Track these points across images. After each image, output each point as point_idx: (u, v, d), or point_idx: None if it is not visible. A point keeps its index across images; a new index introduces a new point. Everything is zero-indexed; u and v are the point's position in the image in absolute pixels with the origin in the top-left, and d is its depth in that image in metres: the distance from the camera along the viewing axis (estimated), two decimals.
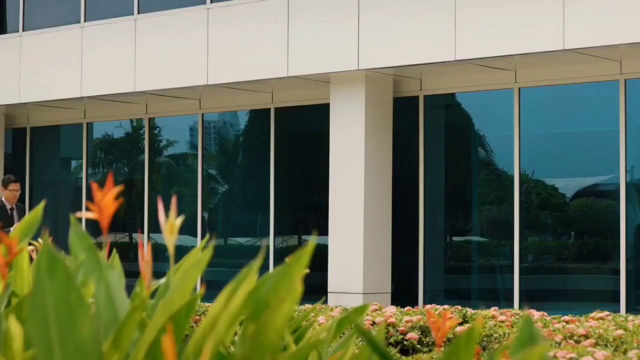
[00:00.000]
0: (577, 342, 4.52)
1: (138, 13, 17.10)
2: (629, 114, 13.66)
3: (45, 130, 19.83)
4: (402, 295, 14.87)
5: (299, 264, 1.69)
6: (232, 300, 1.71)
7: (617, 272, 13.69)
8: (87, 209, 2.24)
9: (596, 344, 4.42)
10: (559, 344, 4.48)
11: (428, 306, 6.35)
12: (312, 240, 1.71)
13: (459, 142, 16.00)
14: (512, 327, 5.15)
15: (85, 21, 17.77)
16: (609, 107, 13.93)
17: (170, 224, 2.15)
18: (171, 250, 2.15)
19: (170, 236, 2.14)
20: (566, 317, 5.31)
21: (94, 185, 2.04)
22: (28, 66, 18.27)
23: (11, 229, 11.71)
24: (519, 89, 14.49)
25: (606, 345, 4.40)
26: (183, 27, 16.39)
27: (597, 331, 4.68)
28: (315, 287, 15.52)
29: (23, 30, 18.64)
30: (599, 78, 13.91)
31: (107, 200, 2.03)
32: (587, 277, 14.55)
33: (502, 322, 5.35)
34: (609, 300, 13.79)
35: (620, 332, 4.60)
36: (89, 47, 17.46)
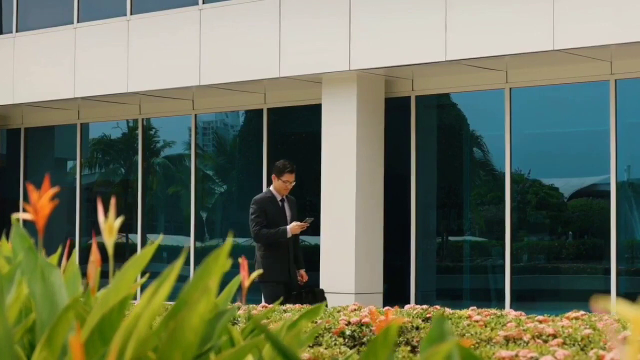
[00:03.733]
0: (545, 341, 4.55)
1: (131, 14, 17.13)
2: (619, 114, 13.69)
3: (40, 131, 19.87)
4: (395, 295, 14.90)
5: (216, 264, 1.71)
6: (154, 299, 1.74)
7: (608, 271, 13.72)
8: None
9: (564, 344, 4.45)
10: (527, 343, 4.51)
11: (408, 306, 6.37)
12: (229, 240, 1.73)
13: (451, 142, 16.03)
14: (485, 326, 5.17)
15: (78, 22, 17.81)
16: (599, 108, 13.96)
17: (109, 224, 2.18)
18: (110, 251, 2.17)
19: (109, 237, 2.17)
20: (540, 317, 5.33)
21: (30, 187, 2.06)
22: (22, 67, 18.31)
23: (289, 222, 10.31)
24: (510, 89, 14.51)
25: (574, 345, 4.43)
26: (176, 27, 16.42)
27: (566, 331, 4.70)
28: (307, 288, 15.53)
29: (17, 31, 18.68)
30: (589, 78, 13.94)
31: (42, 201, 2.06)
32: (578, 277, 14.58)
33: (477, 321, 5.37)
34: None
35: (588, 331, 4.63)
36: (82, 48, 17.49)
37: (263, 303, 7.69)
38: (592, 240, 14.74)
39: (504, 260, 14.47)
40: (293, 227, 10.27)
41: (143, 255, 2.12)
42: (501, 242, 14.63)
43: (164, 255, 17.75)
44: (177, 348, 1.64)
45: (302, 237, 18.23)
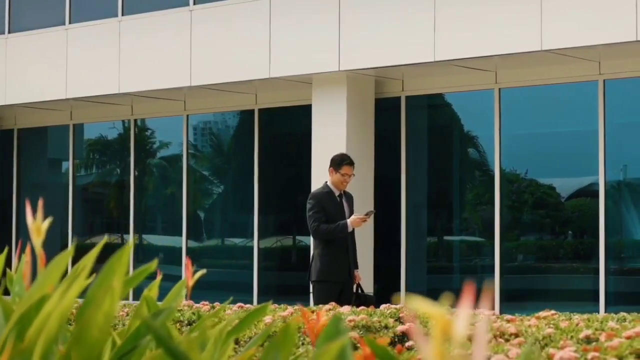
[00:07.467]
0: (507, 340, 4.59)
1: (122, 15, 17.18)
2: (608, 115, 13.72)
3: (33, 132, 19.92)
4: (385, 295, 14.90)
5: (120, 263, 1.75)
6: (65, 297, 1.78)
7: (597, 271, 13.75)
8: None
9: (525, 343, 4.49)
10: (489, 342, 4.54)
11: (383, 305, 6.40)
12: (131, 240, 1.77)
13: (441, 143, 16.06)
14: None
15: (70, 23, 17.85)
16: (587, 108, 13.99)
17: (37, 225, 2.22)
18: (38, 251, 2.21)
19: (37, 238, 2.21)
20: (508, 317, 5.37)
21: None
22: (14, 68, 18.36)
23: (347, 219, 9.44)
24: (499, 89, 14.55)
25: (534, 344, 4.46)
26: (166, 28, 16.46)
27: (529, 330, 4.74)
28: (300, 288, 15.58)
29: (9, 32, 18.73)
30: (578, 79, 13.97)
31: None
32: (568, 276, 14.61)
33: None
34: (590, 299, 13.85)
35: (550, 330, 4.66)
36: (74, 49, 17.54)
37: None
38: (581, 240, 14.77)
39: (494, 260, 14.50)
40: (354, 220, 9.44)
41: (67, 256, 2.15)
42: (491, 242, 14.66)
43: (160, 256, 17.78)
44: (83, 345, 1.68)
45: (297, 237, 18.34)
